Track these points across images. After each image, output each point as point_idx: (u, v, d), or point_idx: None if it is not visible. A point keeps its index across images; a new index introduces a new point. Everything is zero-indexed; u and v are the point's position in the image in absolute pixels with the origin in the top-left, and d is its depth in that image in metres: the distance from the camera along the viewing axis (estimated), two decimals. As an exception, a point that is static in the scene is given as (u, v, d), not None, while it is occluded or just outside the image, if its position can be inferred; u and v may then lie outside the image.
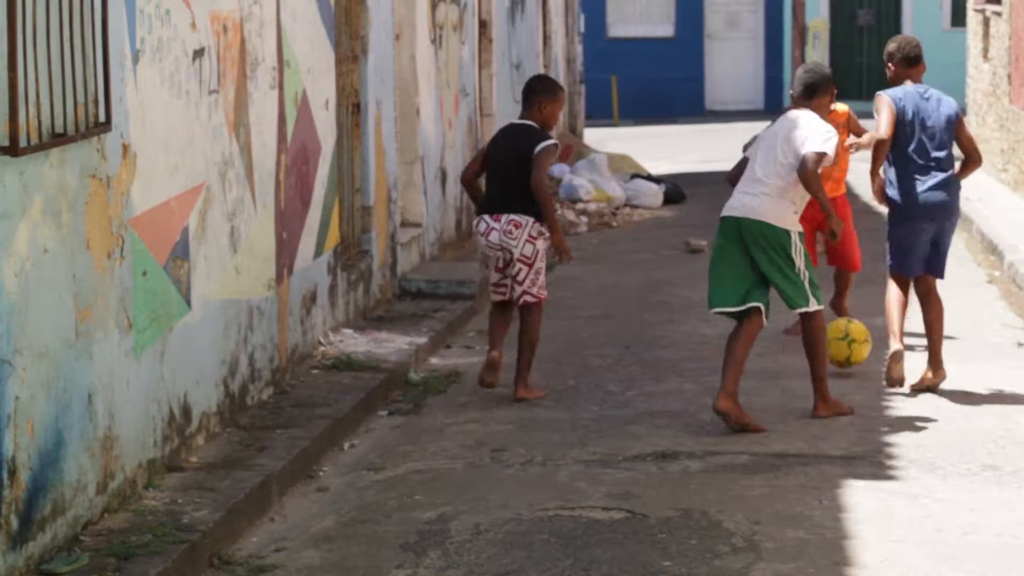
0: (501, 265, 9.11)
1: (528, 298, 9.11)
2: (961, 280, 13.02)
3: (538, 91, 9.21)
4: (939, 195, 9.06)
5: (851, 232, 10.46)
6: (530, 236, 9.00)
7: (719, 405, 8.31)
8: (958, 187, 9.16)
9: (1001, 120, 18.75)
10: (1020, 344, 10.58)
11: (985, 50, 20.32)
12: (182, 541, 6.28)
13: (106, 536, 6.30)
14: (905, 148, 9.09)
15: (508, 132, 9.28)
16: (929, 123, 9.10)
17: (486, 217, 9.10)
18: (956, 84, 25.77)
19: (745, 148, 8.97)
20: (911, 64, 9.33)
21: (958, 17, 29.74)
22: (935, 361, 9.22)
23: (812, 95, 8.62)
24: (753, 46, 32.90)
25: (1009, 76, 18.29)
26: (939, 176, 9.07)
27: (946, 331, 9.62)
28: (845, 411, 8.69)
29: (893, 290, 9.31)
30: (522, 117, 9.24)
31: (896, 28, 31.88)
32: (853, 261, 10.63)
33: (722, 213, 8.57)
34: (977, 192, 17.89)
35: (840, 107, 10.19)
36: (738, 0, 32.87)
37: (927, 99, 9.16)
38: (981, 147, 19.89)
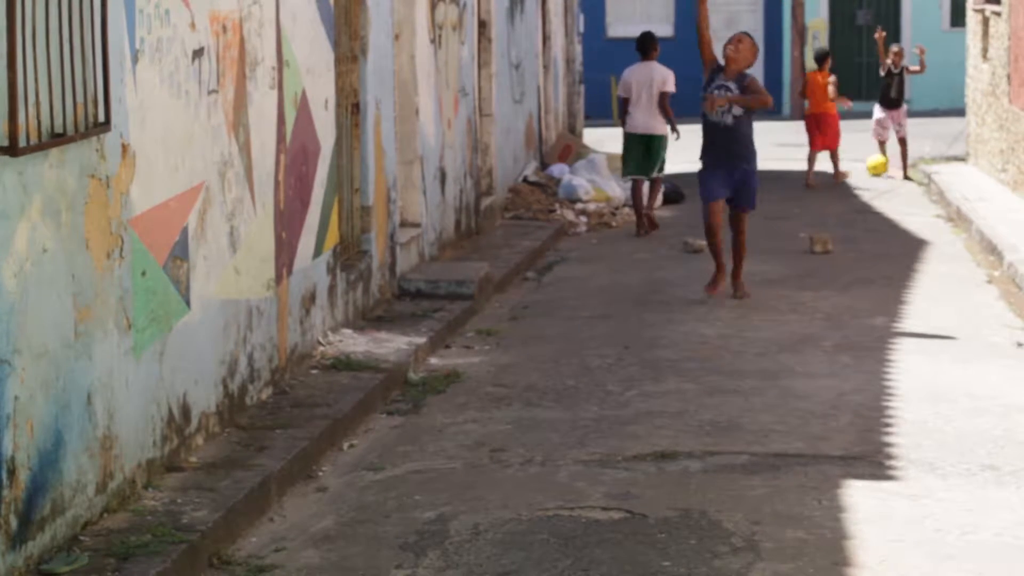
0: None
1: None
2: (961, 280, 13.01)
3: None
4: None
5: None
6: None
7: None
8: None
9: (1001, 120, 18.74)
10: (1020, 344, 10.57)
11: (985, 50, 20.31)
12: (182, 541, 6.28)
13: (105, 536, 6.29)
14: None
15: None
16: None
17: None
18: (956, 84, 25.75)
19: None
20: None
21: (958, 17, 29.72)
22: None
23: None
24: (753, 46, 32.92)
25: (1008, 76, 18.28)
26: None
27: (946, 331, 11.02)
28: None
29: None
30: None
31: (896, 28, 31.85)
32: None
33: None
34: (977, 192, 17.88)
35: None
36: (738, 0, 32.87)
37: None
38: (980, 147, 20.00)
